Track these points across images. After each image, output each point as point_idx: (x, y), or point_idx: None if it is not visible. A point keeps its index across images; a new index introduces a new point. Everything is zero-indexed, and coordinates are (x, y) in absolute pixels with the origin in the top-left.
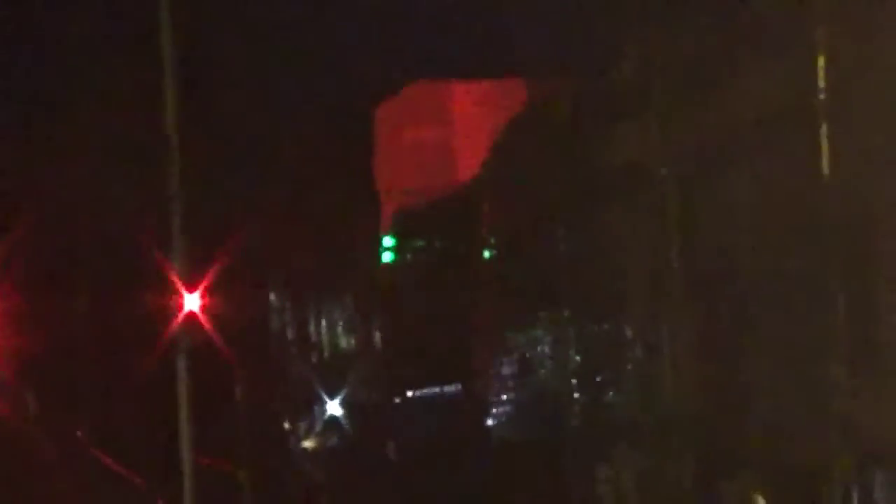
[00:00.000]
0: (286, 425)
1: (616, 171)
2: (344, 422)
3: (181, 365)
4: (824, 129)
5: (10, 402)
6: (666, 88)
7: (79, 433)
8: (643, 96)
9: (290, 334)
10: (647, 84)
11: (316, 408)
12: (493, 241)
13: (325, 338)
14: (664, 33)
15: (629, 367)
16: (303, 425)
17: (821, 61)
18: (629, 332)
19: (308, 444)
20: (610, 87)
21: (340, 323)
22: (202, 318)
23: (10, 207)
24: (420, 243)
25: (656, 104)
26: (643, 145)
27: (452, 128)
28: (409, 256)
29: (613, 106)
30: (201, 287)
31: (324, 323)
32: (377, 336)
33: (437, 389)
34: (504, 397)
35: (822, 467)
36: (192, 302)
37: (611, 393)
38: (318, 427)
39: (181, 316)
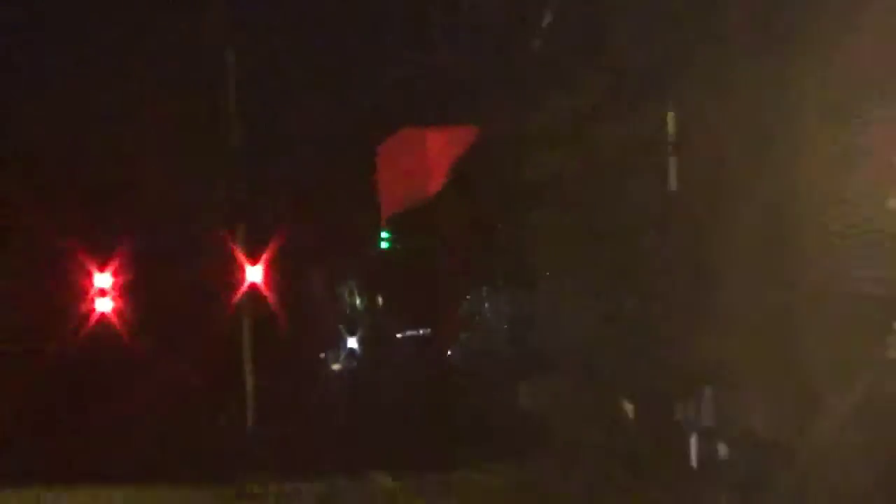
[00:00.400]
0: (321, 355)
1: (540, 185)
2: (358, 352)
3: (245, 323)
4: (672, 159)
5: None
6: (567, 133)
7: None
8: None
9: (323, 297)
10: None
11: (341, 343)
12: (450, 236)
13: (346, 299)
14: (564, 98)
15: (541, 321)
16: (331, 355)
17: (671, 113)
18: (543, 298)
19: (335, 366)
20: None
21: (356, 289)
22: (261, 286)
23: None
24: (403, 237)
25: (566, 140)
26: (558, 166)
27: (426, 158)
28: (397, 245)
29: (535, 143)
30: (261, 262)
31: (346, 289)
32: (378, 298)
33: (415, 332)
34: (459, 337)
35: (674, 387)
36: (254, 274)
37: (529, 339)
38: (342, 356)
39: (245, 286)
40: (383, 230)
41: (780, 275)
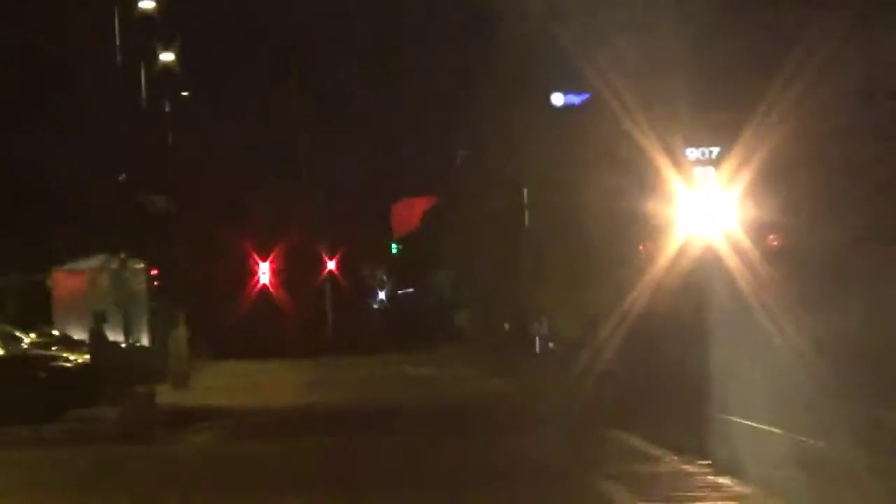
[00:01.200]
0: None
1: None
2: (386, 301)
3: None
4: (526, 213)
5: None
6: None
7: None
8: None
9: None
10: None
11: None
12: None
13: (376, 278)
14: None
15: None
16: (371, 301)
17: (525, 189)
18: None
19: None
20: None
21: (381, 273)
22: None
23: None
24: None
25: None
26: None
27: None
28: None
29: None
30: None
31: (376, 274)
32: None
33: (409, 289)
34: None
35: (529, 316)
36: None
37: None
38: (377, 302)
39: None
40: (393, 243)
41: (580, 269)
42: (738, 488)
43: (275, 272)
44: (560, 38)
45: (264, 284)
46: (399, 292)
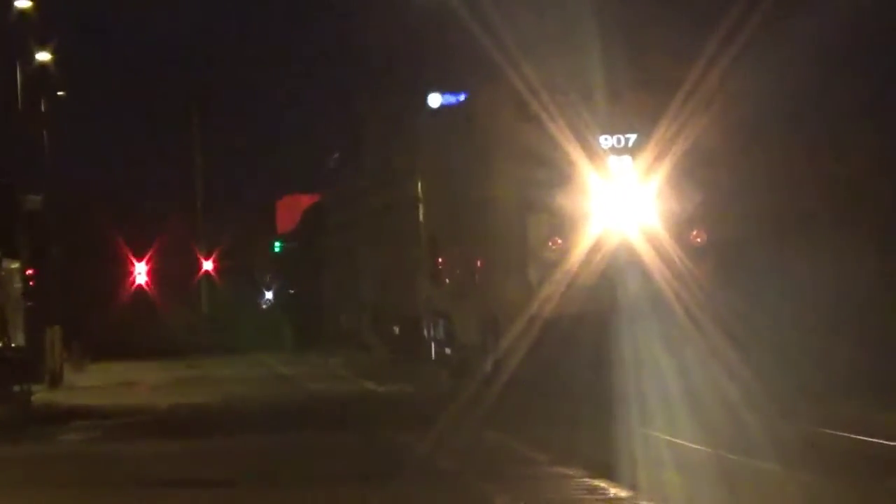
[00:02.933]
0: None
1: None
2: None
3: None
4: (420, 207)
5: None
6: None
7: None
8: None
9: None
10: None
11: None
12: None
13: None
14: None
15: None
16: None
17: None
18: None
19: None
20: None
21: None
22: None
23: None
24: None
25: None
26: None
27: (298, 213)
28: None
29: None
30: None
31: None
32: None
33: (293, 290)
34: None
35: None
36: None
37: None
38: (265, 302)
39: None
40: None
41: (481, 267)
42: (614, 490)
43: (151, 272)
44: (454, 24)
45: (140, 284)
46: (287, 291)
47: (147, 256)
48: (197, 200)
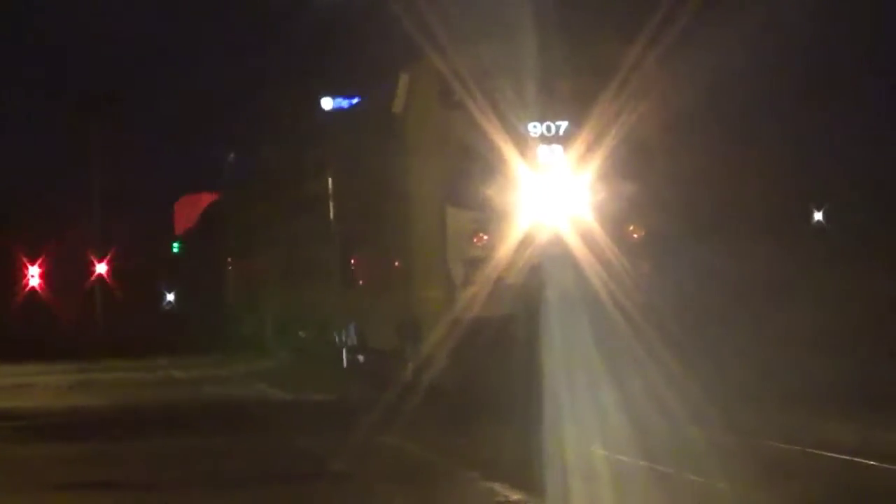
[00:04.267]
0: None
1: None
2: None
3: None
4: (331, 205)
5: None
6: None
7: None
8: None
9: None
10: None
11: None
12: None
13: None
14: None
15: None
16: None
17: (329, 178)
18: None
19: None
20: None
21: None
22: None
23: None
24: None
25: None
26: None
27: (197, 213)
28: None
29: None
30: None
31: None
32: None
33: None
34: None
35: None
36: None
37: None
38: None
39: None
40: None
41: (398, 267)
42: (506, 493)
43: (43, 275)
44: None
45: (33, 287)
46: (188, 294)
47: (39, 260)
48: (92, 202)
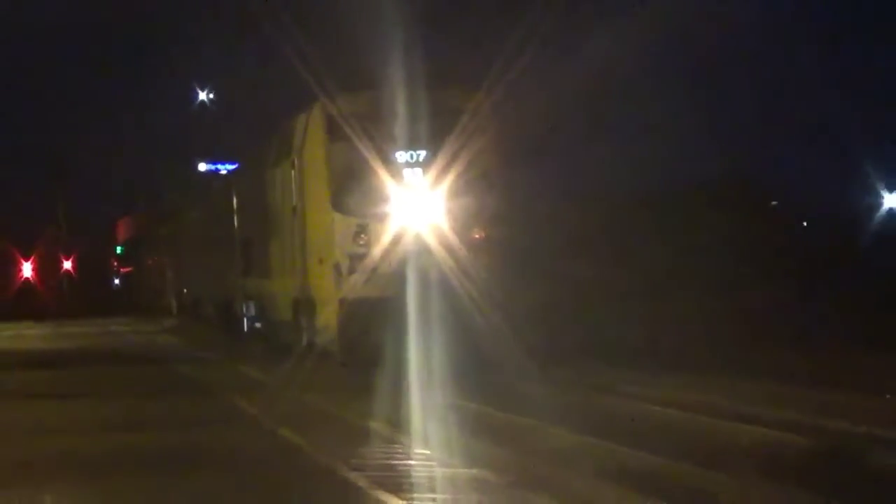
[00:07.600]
0: None
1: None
2: (120, 284)
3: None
4: (235, 217)
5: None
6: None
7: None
8: None
9: None
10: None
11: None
12: None
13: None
14: None
15: None
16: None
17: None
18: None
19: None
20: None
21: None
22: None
23: None
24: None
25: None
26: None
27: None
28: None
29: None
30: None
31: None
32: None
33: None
34: None
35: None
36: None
37: None
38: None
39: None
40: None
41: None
42: (378, 427)
43: (33, 268)
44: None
45: (27, 276)
46: (127, 279)
47: (31, 258)
48: (61, 222)
